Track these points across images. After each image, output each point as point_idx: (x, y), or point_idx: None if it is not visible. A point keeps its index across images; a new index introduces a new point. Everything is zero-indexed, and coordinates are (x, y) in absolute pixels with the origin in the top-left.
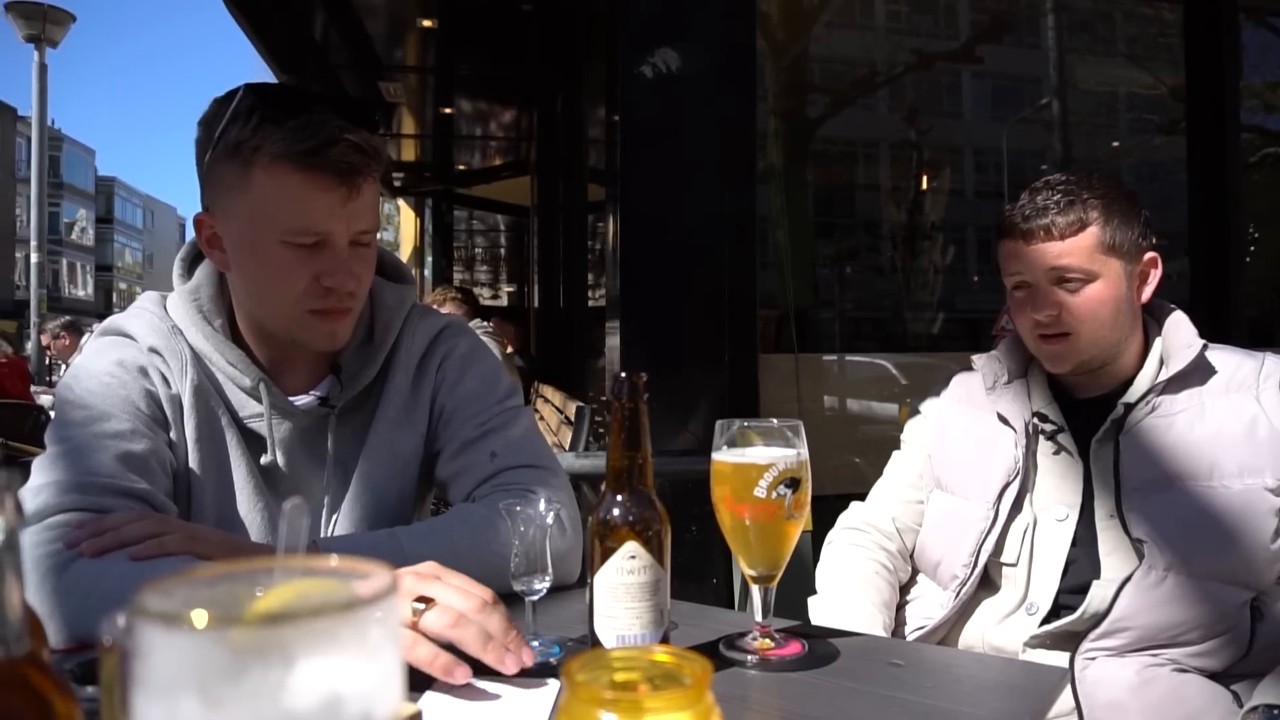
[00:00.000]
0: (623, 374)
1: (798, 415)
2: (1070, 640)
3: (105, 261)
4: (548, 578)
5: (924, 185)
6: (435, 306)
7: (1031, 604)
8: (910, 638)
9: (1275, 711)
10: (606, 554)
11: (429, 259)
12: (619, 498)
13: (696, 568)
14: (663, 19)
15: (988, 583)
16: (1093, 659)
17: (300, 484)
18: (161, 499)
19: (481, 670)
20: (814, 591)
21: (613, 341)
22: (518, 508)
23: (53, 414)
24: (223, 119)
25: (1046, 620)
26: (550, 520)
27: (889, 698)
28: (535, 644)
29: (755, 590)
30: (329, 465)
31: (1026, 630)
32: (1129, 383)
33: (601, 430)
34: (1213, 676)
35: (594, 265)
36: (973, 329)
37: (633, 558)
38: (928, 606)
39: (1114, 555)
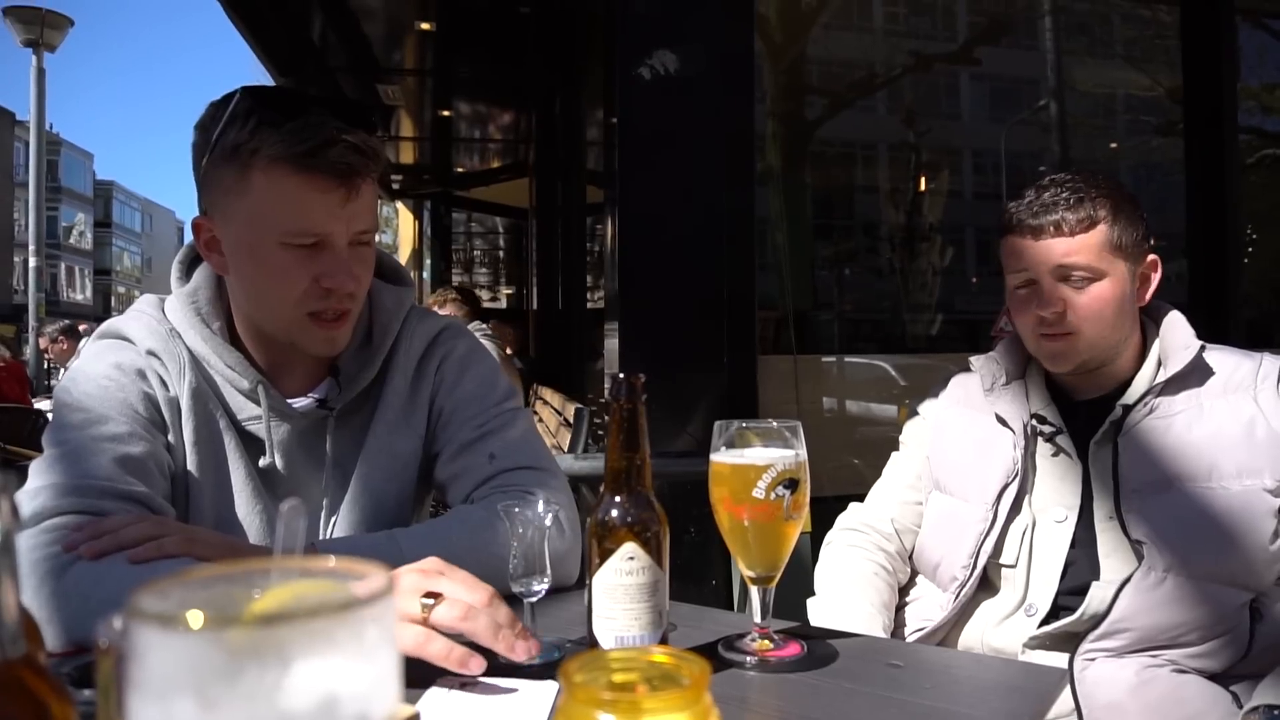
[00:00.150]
0: (621, 375)
1: (796, 416)
2: (1069, 641)
3: (104, 265)
4: (546, 579)
5: (922, 187)
6: (436, 308)
7: (1031, 605)
8: (909, 639)
9: (1275, 712)
10: (605, 555)
11: (428, 261)
12: (617, 499)
13: (695, 569)
14: (661, 21)
15: (987, 584)
16: (1092, 660)
17: (299, 486)
18: (160, 502)
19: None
20: (813, 593)
21: (611, 343)
22: (516, 509)
23: (50, 417)
24: (220, 122)
25: (1046, 621)
26: (549, 522)
27: (888, 699)
28: None
29: (754, 591)
30: (327, 467)
31: (1026, 631)
32: (1127, 384)
33: (600, 432)
34: (1212, 677)
35: (593, 267)
36: (971, 330)
37: (631, 559)
38: (927, 608)
39: (1113, 556)
